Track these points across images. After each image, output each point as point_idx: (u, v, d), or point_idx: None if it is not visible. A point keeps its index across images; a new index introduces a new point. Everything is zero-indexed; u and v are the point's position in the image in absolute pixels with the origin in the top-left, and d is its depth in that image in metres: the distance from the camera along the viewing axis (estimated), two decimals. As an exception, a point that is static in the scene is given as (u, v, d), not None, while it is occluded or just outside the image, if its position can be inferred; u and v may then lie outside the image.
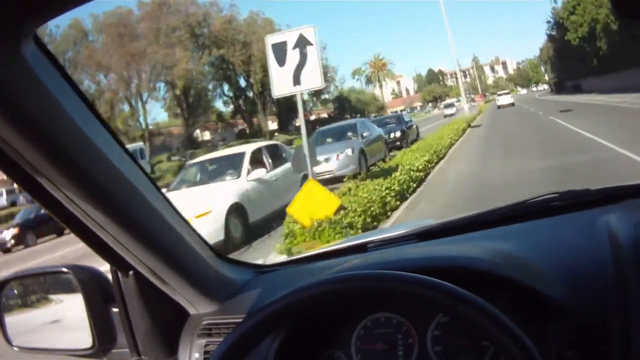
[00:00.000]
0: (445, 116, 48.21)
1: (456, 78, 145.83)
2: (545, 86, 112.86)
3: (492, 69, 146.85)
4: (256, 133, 48.68)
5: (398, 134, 20.70)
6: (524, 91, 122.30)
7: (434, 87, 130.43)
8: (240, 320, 0.92)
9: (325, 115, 64.51)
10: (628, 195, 1.20)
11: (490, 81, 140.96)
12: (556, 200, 1.27)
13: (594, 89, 44.24)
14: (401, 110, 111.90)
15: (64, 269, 1.15)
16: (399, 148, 17.63)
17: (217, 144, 44.98)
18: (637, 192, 1.21)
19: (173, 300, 1.13)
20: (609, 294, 0.89)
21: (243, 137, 46.94)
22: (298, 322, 1.06)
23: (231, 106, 54.61)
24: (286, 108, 51.70)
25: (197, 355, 1.15)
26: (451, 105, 56.44)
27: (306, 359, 1.10)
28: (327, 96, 60.79)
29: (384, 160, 14.12)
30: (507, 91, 64.64)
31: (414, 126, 23.33)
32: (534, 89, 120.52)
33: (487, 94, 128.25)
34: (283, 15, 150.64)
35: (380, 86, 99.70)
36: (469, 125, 25.74)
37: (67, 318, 1.21)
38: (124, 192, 0.90)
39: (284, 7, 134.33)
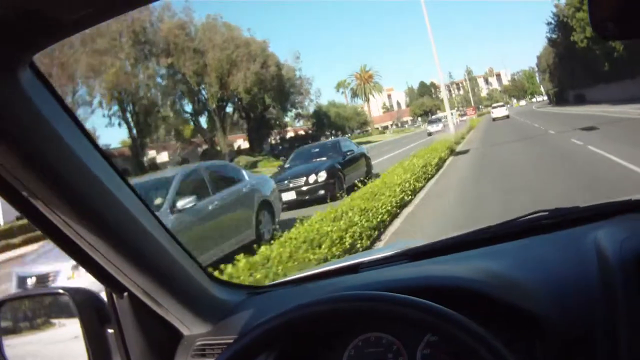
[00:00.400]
0: (430, 134, 41.30)
1: (449, 90, 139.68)
2: (543, 97, 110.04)
3: (486, 81, 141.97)
4: (219, 153, 42.85)
5: (322, 176, 12.04)
6: (523, 102, 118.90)
7: (424, 101, 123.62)
8: (232, 341, 0.94)
9: (302, 132, 60.57)
10: (616, 212, 1.22)
11: (484, 93, 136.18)
12: (545, 218, 1.29)
13: (603, 99, 37.75)
14: (383, 128, 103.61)
15: (61, 290, 1.18)
16: (322, 201, 11.01)
17: (174, 167, 38.20)
18: (625, 208, 1.23)
19: (167, 321, 1.15)
20: (596, 310, 0.92)
21: (208, 157, 41.07)
22: (289, 343, 1.09)
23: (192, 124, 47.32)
24: (257, 125, 47.08)
25: None
26: (437, 121, 48.10)
27: None
28: (300, 111, 54.64)
29: (364, 182, 9.85)
30: (501, 103, 62.90)
31: (361, 159, 14.55)
32: (533, 100, 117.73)
33: (480, 106, 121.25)
34: (249, 19, 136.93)
35: (367, 100, 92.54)
36: (452, 152, 18.45)
37: (64, 339, 1.23)
38: (118, 215, 0.93)
39: (251, 9, 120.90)
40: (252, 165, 41.85)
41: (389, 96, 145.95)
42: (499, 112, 48.77)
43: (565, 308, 0.96)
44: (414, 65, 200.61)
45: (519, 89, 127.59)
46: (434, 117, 58.77)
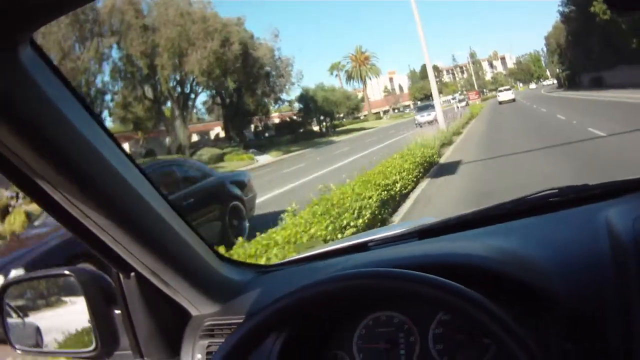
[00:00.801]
0: (419, 125, 34.26)
1: (453, 74, 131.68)
2: (551, 81, 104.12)
3: (491, 65, 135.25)
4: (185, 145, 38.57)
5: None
6: (533, 85, 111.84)
7: (424, 84, 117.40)
8: (242, 320, 0.96)
9: (287, 119, 56.79)
10: (627, 190, 1.21)
11: (488, 77, 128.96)
12: (555, 196, 1.30)
13: (626, 82, 31.29)
14: (384, 112, 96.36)
15: (66, 272, 1.18)
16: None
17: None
18: (636, 186, 1.22)
19: (175, 302, 1.15)
20: (608, 289, 0.91)
21: (174, 150, 37.71)
22: (300, 323, 1.09)
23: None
24: (232, 112, 42.81)
25: (199, 356, 1.17)
26: (428, 108, 38.47)
27: (309, 359, 1.12)
28: (281, 95, 48.67)
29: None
30: (507, 87, 62.28)
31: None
32: (543, 83, 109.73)
33: (485, 90, 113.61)
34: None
35: (364, 83, 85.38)
36: (431, 166, 11.63)
37: (70, 320, 1.24)
38: (124, 194, 0.92)
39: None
40: (218, 159, 34.61)
41: (391, 79, 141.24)
42: (505, 95, 49.70)
43: (576, 286, 0.95)
44: (417, 48, 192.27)
45: (525, 72, 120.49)
46: (423, 103, 51.94)
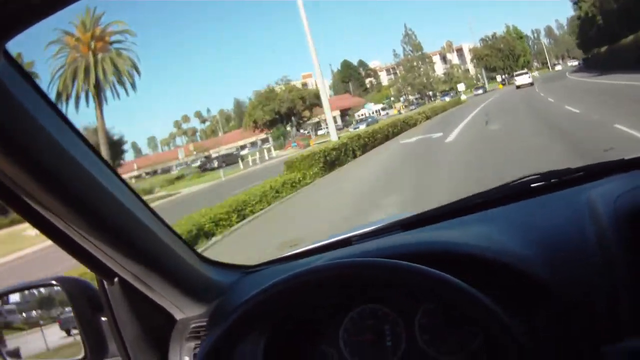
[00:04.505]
0: None
1: (394, 74, 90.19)
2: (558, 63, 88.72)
3: (444, 59, 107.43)
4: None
5: None
6: (559, 67, 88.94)
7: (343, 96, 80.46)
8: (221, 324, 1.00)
9: None
10: (609, 172, 1.27)
11: (440, 72, 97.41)
12: (538, 181, 1.34)
13: None
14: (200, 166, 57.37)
15: (53, 282, 1.23)
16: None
17: None
18: (616, 168, 1.28)
19: (160, 306, 1.20)
20: (593, 269, 0.96)
21: None
22: (284, 319, 1.14)
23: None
24: None
25: (187, 358, 1.21)
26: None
27: (296, 356, 1.18)
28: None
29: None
30: (525, 71, 58.36)
31: None
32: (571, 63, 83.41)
33: (434, 94, 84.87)
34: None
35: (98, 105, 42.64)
36: None
37: (59, 329, 1.30)
38: (102, 199, 0.96)
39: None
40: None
41: (305, 85, 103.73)
42: (522, 79, 48.53)
43: (562, 269, 0.98)
44: (340, 42, 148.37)
45: (503, 54, 76.67)
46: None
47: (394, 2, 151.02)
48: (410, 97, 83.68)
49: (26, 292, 1.37)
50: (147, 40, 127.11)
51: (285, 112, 55.26)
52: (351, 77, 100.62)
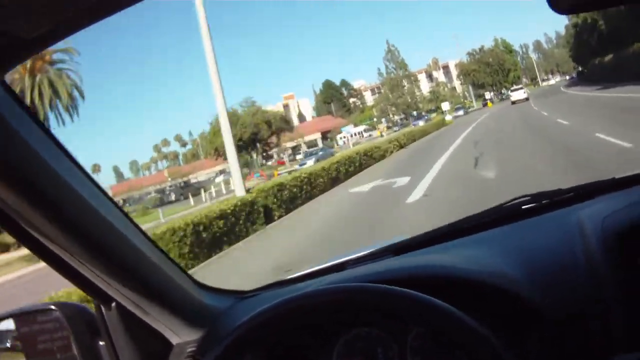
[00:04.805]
0: None
1: (379, 93, 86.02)
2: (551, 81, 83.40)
3: (430, 77, 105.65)
4: None
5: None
6: (552, 81, 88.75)
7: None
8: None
9: None
10: (598, 192, 1.29)
11: (426, 90, 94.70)
12: (528, 202, 1.35)
13: None
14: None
15: (52, 307, 1.25)
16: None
17: None
18: (606, 188, 1.30)
19: (157, 330, 1.23)
20: (584, 290, 0.99)
21: None
22: (277, 344, 1.17)
23: None
24: None
25: None
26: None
27: None
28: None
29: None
30: (520, 86, 57.24)
31: None
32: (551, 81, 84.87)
33: (419, 114, 78.64)
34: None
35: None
36: None
37: (57, 355, 1.31)
38: (98, 226, 0.99)
39: None
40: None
41: (286, 106, 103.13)
42: (517, 95, 49.06)
43: (553, 290, 1.00)
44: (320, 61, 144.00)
45: (492, 69, 72.20)
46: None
47: (378, 19, 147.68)
48: (397, 117, 78.54)
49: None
50: (126, 60, 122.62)
51: (248, 139, 48.66)
52: (333, 98, 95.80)
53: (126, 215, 1.09)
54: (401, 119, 75.72)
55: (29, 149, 0.83)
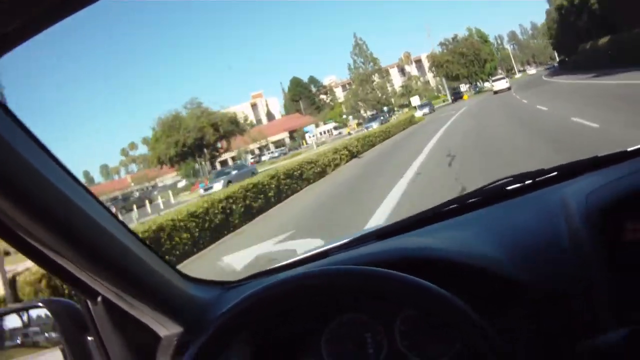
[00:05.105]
0: None
1: (351, 89, 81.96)
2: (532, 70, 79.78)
3: (402, 71, 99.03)
4: None
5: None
6: (532, 70, 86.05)
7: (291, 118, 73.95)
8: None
9: None
10: (580, 170, 1.30)
11: (397, 86, 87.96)
12: (512, 183, 1.36)
13: None
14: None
15: (39, 304, 1.27)
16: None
17: None
18: (589, 166, 1.32)
19: (144, 323, 1.24)
20: (567, 266, 1.01)
21: None
22: (265, 333, 1.18)
23: None
24: None
25: None
26: None
27: None
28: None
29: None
30: (502, 76, 57.20)
31: None
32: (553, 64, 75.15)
33: (391, 109, 73.18)
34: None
35: None
36: None
37: (47, 352, 1.32)
38: (81, 220, 0.99)
39: None
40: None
41: (254, 106, 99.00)
42: (500, 84, 48.26)
43: (538, 269, 1.02)
44: (293, 59, 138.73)
45: (467, 59, 67.51)
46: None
47: (348, 13, 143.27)
48: (369, 113, 73.69)
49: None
50: (88, 61, 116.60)
51: (192, 144, 43.65)
52: (301, 96, 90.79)
53: (108, 209, 1.09)
54: (372, 115, 70.89)
55: (8, 146, 0.84)
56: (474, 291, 0.98)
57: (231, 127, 46.54)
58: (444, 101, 71.26)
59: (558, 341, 0.93)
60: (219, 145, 47.94)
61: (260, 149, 67.11)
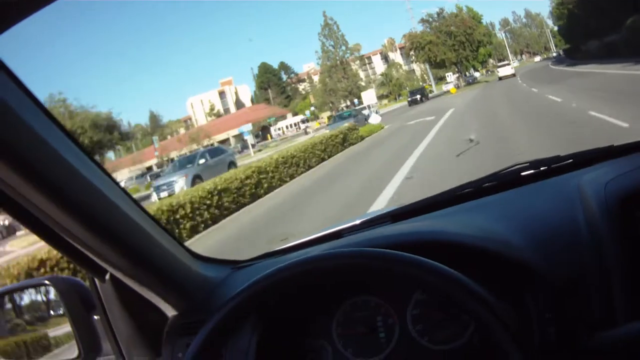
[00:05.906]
0: None
1: (329, 77, 72.01)
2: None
3: (385, 58, 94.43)
4: None
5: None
6: (537, 57, 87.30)
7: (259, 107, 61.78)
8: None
9: None
10: (597, 159, 1.30)
11: (378, 72, 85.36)
12: (527, 169, 1.36)
13: None
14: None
15: (46, 281, 1.26)
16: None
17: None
18: (605, 155, 1.31)
19: (152, 303, 1.23)
20: (585, 254, 0.99)
21: None
22: (277, 313, 1.17)
23: None
24: None
25: (180, 354, 1.24)
26: None
27: (290, 351, 1.21)
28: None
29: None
30: (507, 62, 54.30)
31: None
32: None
33: (367, 108, 56.46)
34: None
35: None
36: None
37: (53, 329, 1.32)
38: (91, 197, 0.99)
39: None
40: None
41: (222, 93, 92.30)
42: (504, 70, 47.62)
43: (553, 255, 1.00)
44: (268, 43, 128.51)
45: (456, 40, 56.89)
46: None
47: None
48: (343, 105, 64.10)
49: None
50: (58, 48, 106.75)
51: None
52: (270, 83, 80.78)
53: (118, 185, 1.07)
54: (346, 107, 60.68)
55: (21, 121, 0.82)
56: (489, 276, 0.97)
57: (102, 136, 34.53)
58: (429, 91, 57.47)
59: (574, 330, 0.90)
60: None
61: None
